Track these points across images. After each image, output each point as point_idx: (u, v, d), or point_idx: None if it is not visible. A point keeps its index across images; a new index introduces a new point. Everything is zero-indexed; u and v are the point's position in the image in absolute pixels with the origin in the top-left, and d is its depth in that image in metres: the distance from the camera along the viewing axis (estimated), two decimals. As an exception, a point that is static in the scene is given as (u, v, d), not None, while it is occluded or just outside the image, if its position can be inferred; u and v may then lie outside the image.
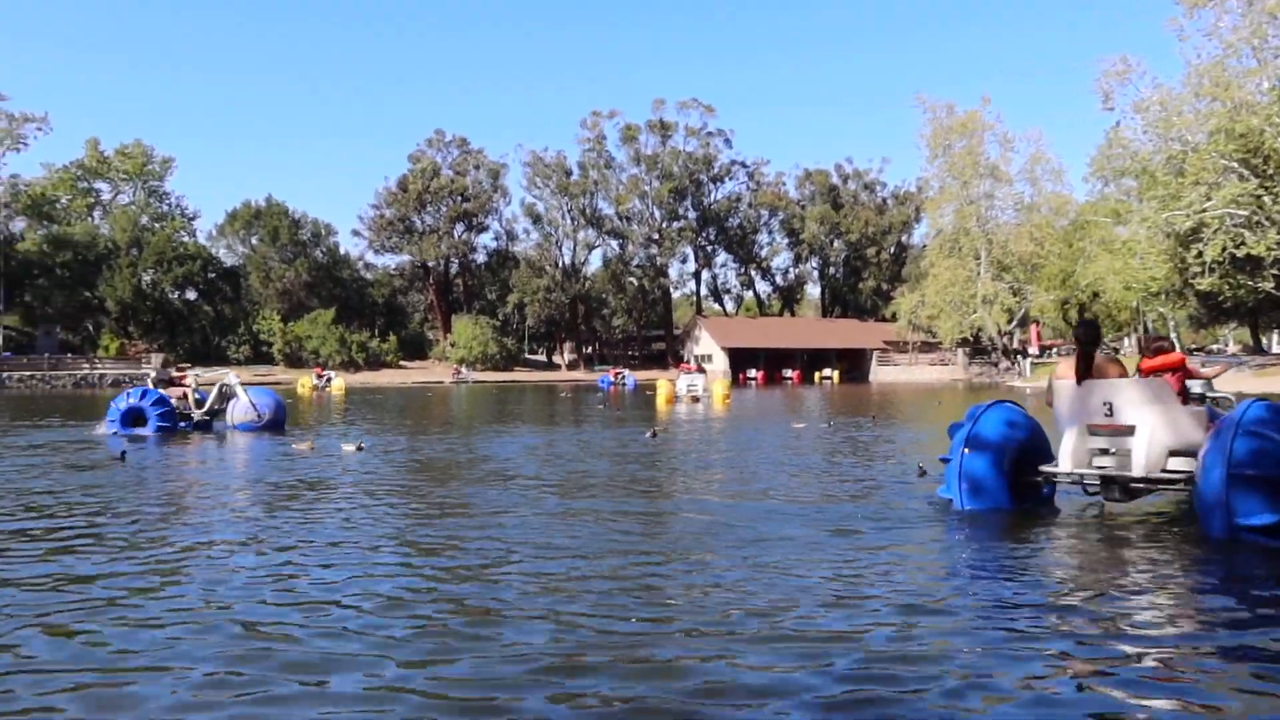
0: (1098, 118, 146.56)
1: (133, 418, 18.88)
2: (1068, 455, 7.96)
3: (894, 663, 4.26)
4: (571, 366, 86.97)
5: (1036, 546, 7.10)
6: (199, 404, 20.58)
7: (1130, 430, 7.62)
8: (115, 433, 18.51)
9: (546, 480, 11.53)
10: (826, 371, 78.93)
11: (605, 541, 7.25)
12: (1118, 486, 7.73)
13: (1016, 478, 8.20)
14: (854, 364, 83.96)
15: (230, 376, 20.88)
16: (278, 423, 20.50)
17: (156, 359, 66.97)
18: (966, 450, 8.13)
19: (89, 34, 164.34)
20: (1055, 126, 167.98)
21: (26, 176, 77.59)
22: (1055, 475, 8.17)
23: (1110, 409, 7.72)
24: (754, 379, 74.86)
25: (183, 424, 20.06)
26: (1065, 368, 8.17)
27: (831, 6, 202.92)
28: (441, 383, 70.87)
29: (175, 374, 22.25)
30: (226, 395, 20.53)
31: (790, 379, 77.48)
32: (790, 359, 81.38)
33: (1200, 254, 45.11)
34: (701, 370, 38.62)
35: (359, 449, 15.03)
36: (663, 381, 34.37)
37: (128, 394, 19.41)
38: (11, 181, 74.83)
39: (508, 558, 6.65)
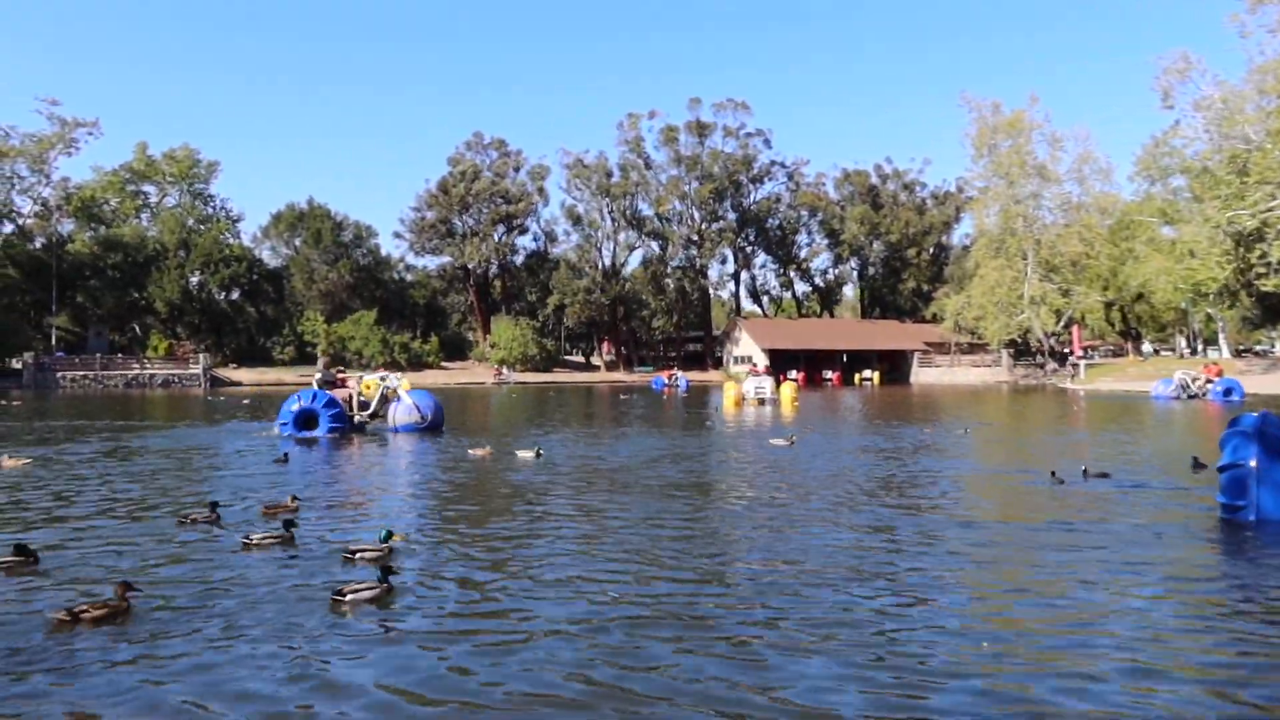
0: (1141, 116, 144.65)
1: (304, 420, 19.02)
2: None
3: None
4: (610, 367, 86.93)
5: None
6: (362, 406, 20.66)
7: None
8: (288, 434, 18.75)
9: (758, 493, 11.53)
10: (866, 373, 78.30)
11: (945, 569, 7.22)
12: None
13: None
14: (894, 365, 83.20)
15: (391, 379, 20.81)
16: (437, 424, 20.46)
17: (202, 359, 67.81)
18: (1253, 463, 7.86)
19: (140, 44, 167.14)
20: (1097, 124, 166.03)
21: (76, 180, 78.92)
22: None
23: None
24: (794, 380, 74.35)
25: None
26: None
27: (868, 7, 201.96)
28: (484, 383, 71.08)
29: (339, 376, 22.25)
30: (387, 398, 20.48)
31: (830, 381, 76.91)
32: (830, 360, 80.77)
33: (1264, 254, 44.25)
34: (769, 373, 38.31)
35: (538, 455, 15.00)
36: (729, 384, 34.19)
37: (299, 396, 19.56)
38: (62, 183, 76.03)
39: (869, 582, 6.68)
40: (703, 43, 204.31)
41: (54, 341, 71.77)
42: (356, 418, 20.23)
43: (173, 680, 4.78)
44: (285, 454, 15.00)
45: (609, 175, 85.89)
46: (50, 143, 72.48)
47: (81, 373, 64.05)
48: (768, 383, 35.31)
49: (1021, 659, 5.04)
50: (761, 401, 33.33)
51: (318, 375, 20.98)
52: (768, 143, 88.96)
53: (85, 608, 5.66)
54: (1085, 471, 12.20)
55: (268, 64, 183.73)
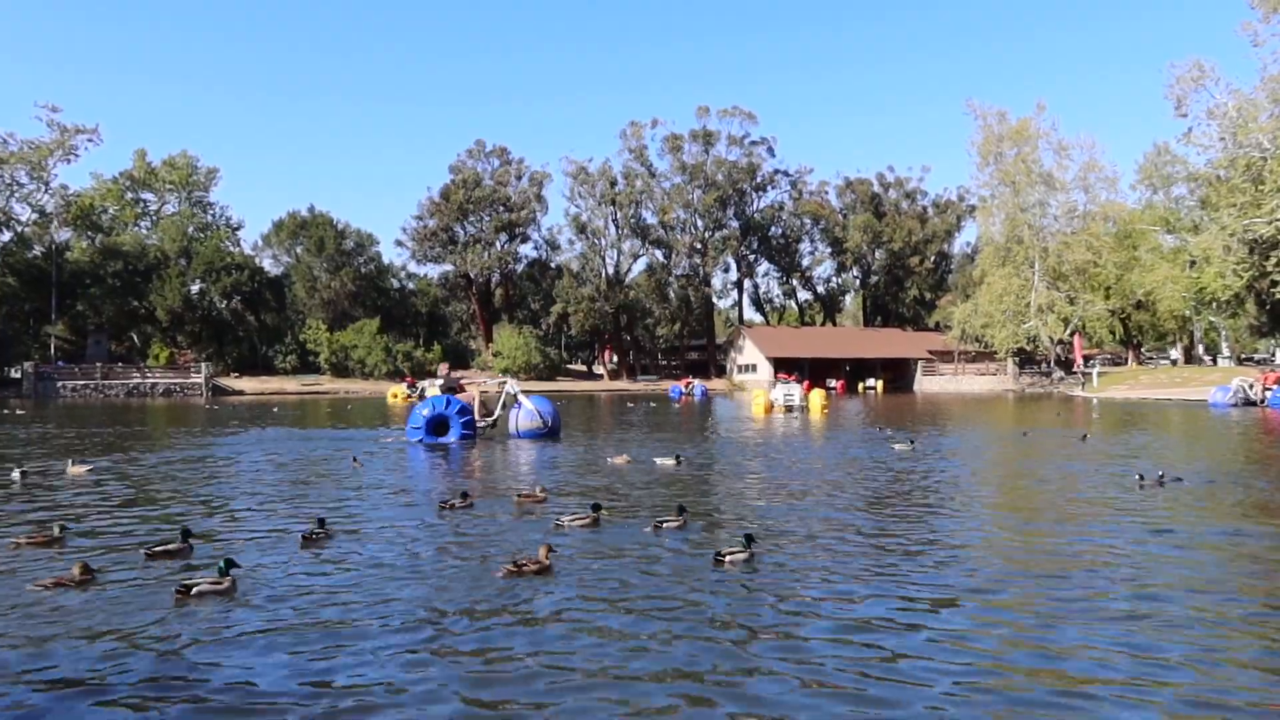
0: (1141, 124, 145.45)
1: (435, 426, 18.80)
2: None
3: None
4: (613, 376, 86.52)
5: None
6: (486, 413, 20.43)
7: None
8: (420, 440, 18.62)
9: (964, 496, 11.69)
10: (870, 382, 78.23)
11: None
12: None
13: None
14: (898, 374, 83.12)
15: (511, 384, 20.58)
16: (555, 430, 20.16)
17: (204, 367, 67.07)
18: None
19: (139, 51, 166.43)
20: (1098, 132, 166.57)
21: (74, 187, 78.16)
22: None
23: None
24: (833, 388, 74.13)
25: None
26: None
27: (869, 16, 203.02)
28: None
29: (460, 383, 21.92)
30: (508, 404, 20.23)
31: (834, 389, 76.72)
32: (834, 369, 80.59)
33: (1280, 261, 44.29)
34: (799, 380, 37.94)
35: (678, 462, 14.80)
36: (758, 391, 33.83)
37: (432, 403, 19.24)
38: (61, 191, 75.21)
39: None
40: (703, 51, 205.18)
41: (52, 350, 70.90)
42: (482, 424, 20.04)
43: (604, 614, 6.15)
44: (354, 458, 15.30)
45: (613, 183, 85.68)
46: (49, 149, 71.72)
47: (82, 381, 63.26)
48: (796, 390, 34.94)
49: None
50: (790, 409, 32.97)
51: (439, 382, 20.81)
52: (771, 151, 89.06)
53: (525, 562, 7.19)
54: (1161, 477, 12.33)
55: (268, 72, 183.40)
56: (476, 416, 19.75)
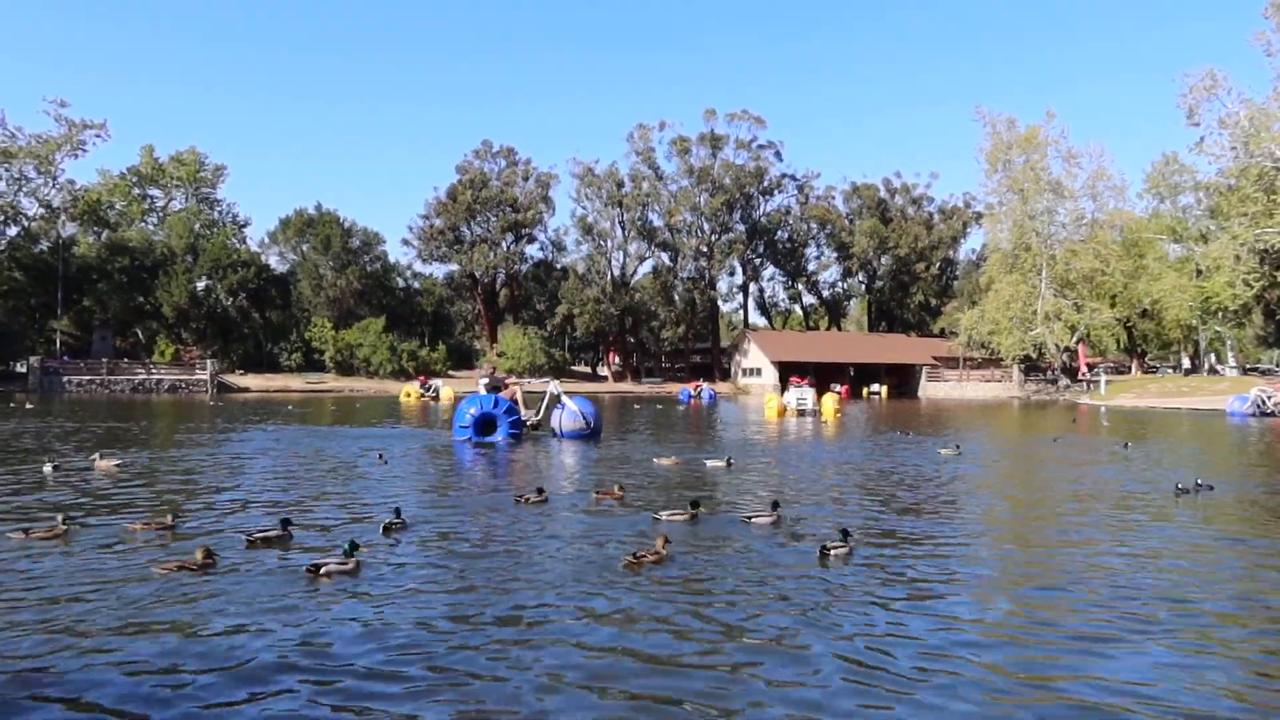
0: (1149, 133, 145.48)
1: (481, 425, 18.83)
2: None
3: None
4: (618, 378, 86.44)
5: None
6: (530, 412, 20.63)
7: None
8: (468, 439, 18.67)
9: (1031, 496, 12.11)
10: (875, 387, 78.10)
11: None
12: None
13: None
14: (902, 379, 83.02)
15: (552, 385, 20.69)
16: (597, 431, 20.24)
17: (210, 364, 66.94)
18: None
19: (147, 49, 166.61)
20: (1104, 140, 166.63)
21: (81, 183, 78.04)
22: None
23: None
24: (838, 393, 73.81)
25: None
26: None
27: (878, 21, 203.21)
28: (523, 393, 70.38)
29: (505, 382, 21.95)
30: (550, 404, 20.45)
31: (839, 394, 76.51)
32: (838, 373, 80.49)
33: (1291, 271, 44.20)
34: (812, 384, 37.86)
35: (729, 464, 14.99)
36: (770, 395, 33.80)
37: (480, 401, 19.25)
38: (68, 186, 75.11)
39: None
40: (712, 54, 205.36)
41: (58, 345, 70.81)
42: (528, 423, 20.12)
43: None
44: (380, 454, 15.58)
45: (620, 185, 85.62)
46: (57, 144, 71.61)
47: (88, 377, 63.10)
48: (809, 394, 34.91)
49: None
50: (802, 412, 32.96)
51: (484, 381, 20.80)
52: (779, 155, 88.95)
53: (645, 553, 7.55)
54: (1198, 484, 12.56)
55: (276, 70, 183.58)
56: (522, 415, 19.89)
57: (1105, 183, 68.47)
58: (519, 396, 20.21)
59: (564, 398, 20.15)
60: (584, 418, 19.64)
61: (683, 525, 9.34)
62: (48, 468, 13.46)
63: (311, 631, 5.58)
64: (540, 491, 10.90)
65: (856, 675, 5.00)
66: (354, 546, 7.12)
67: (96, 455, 14.79)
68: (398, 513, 9.18)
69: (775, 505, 9.91)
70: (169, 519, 8.84)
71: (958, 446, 18.58)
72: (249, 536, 8.04)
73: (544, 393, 21.27)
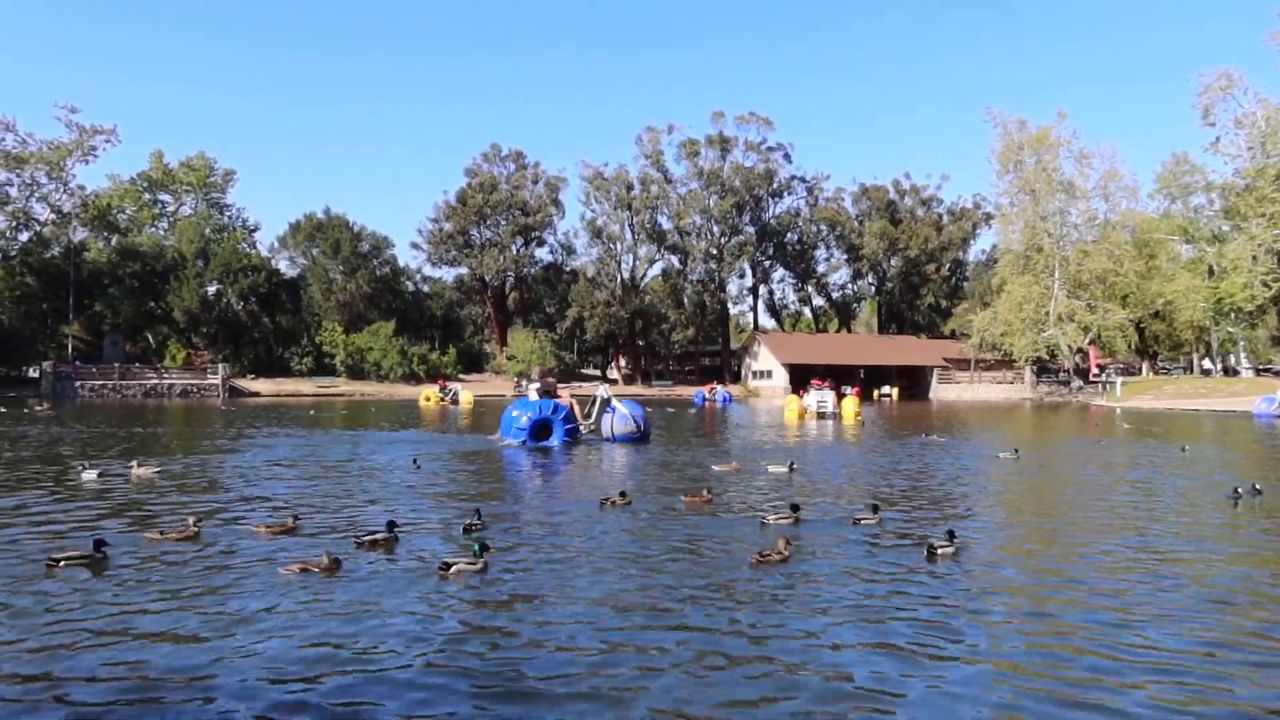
0: (1159, 133, 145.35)
1: (537, 430, 18.94)
2: None
3: None
4: (628, 381, 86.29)
5: None
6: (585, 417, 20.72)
7: None
8: (523, 443, 18.82)
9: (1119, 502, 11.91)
10: (885, 389, 77.84)
11: None
12: None
13: None
14: (913, 381, 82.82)
15: (602, 389, 20.81)
16: (646, 434, 20.36)
17: (222, 369, 66.85)
18: None
19: (157, 54, 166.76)
20: (1115, 141, 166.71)
21: (92, 188, 78.00)
22: None
23: None
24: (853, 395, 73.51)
25: None
26: None
27: (886, 22, 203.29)
28: (504, 395, 70.28)
29: (556, 387, 22.12)
30: (601, 409, 20.68)
31: (850, 396, 76.27)
32: (848, 376, 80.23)
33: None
34: (832, 386, 37.74)
35: (791, 469, 15.08)
36: (790, 398, 33.72)
37: (539, 406, 19.33)
38: (79, 191, 75.02)
39: None
40: (720, 56, 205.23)
41: (69, 350, 70.73)
42: (583, 428, 20.20)
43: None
44: (415, 459, 15.87)
45: (629, 188, 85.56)
46: (68, 150, 71.57)
47: (100, 381, 63.00)
48: (830, 396, 34.80)
49: None
50: (823, 415, 32.88)
51: (535, 385, 20.92)
52: (788, 157, 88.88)
53: (770, 553, 7.79)
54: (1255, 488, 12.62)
55: (285, 74, 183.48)
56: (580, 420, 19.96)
57: (1117, 183, 68.42)
58: (574, 405, 20.29)
59: (614, 401, 20.23)
60: (634, 421, 19.78)
61: (789, 527, 9.46)
62: (91, 474, 13.38)
63: (470, 630, 5.73)
64: (623, 494, 11.11)
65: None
66: (483, 548, 7.29)
67: (134, 463, 14.68)
68: (478, 513, 9.29)
69: (875, 508, 10.18)
70: (290, 521, 9.07)
71: (1016, 452, 18.53)
72: (358, 539, 8.13)
73: (592, 396, 21.31)
